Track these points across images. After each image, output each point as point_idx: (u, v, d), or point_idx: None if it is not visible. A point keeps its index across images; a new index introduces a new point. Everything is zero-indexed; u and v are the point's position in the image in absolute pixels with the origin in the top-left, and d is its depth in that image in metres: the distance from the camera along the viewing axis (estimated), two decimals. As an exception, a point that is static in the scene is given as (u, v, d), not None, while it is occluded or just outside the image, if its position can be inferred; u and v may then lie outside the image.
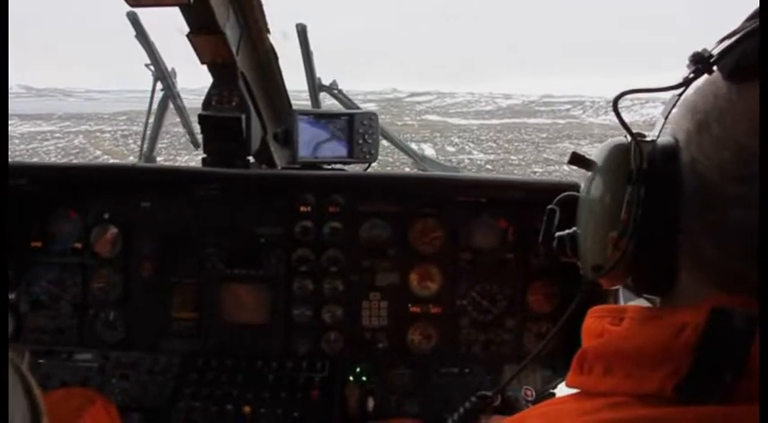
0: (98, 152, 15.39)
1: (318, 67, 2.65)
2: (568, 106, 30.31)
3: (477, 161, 15.44)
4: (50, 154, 15.31)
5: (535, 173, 13.67)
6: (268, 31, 2.01)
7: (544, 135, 20.24)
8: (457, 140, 18.98)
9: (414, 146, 3.71)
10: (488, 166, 14.67)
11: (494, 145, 18.25)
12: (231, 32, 1.82)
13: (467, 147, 18.01)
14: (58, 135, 17.97)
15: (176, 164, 4.76)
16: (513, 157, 16.11)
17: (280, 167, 2.36)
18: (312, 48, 2.55)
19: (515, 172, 13.84)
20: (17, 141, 16.36)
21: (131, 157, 13.79)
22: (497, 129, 21.96)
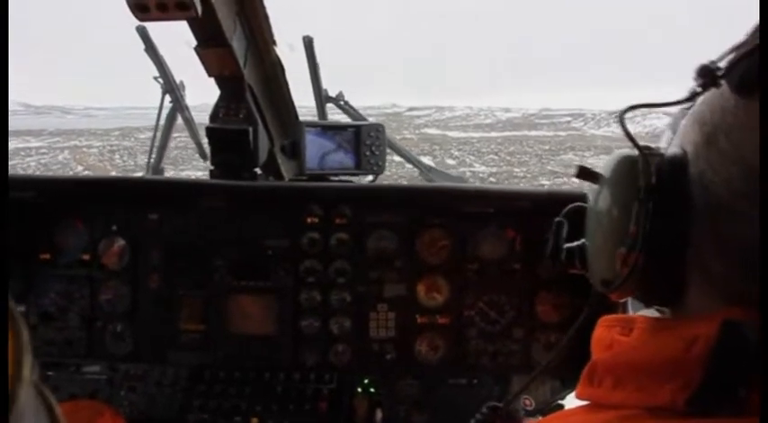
0: (79, 168, 15.20)
1: (324, 80, 2.68)
2: (569, 119, 30.34)
3: (479, 174, 15.37)
4: (29, 170, 14.68)
5: (543, 186, 13.59)
6: (274, 42, 2.02)
7: (546, 147, 20.21)
8: (457, 153, 18.93)
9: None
10: (492, 179, 14.59)
11: (495, 158, 18.20)
12: (238, 45, 1.84)
13: (467, 159, 17.96)
14: (43, 151, 17.71)
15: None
16: (516, 170, 16.03)
17: (287, 179, 2.36)
18: (318, 60, 2.58)
19: (521, 184, 13.76)
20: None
21: (113, 173, 13.71)
22: (498, 141, 21.93)
